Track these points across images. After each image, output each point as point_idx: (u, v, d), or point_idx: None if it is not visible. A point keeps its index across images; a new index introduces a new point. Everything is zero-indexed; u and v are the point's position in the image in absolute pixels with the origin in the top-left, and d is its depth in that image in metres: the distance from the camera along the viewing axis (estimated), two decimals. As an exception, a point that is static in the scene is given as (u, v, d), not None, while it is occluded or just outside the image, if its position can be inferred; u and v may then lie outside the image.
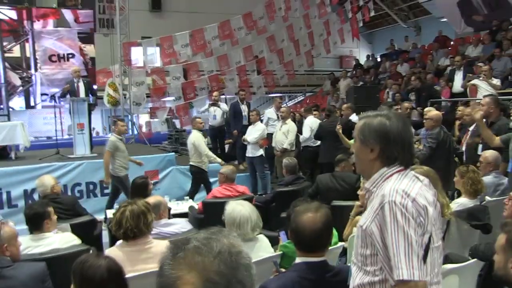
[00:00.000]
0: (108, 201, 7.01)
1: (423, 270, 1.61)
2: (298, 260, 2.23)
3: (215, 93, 10.16)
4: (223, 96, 13.15)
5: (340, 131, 6.78)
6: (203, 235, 1.06)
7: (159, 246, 3.04)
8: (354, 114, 8.08)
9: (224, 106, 9.90)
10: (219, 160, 7.47)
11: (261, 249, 3.16)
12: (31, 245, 3.35)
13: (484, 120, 5.10)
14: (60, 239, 3.47)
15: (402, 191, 1.68)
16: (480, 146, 5.19)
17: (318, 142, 7.89)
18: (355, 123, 6.33)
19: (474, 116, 4.77)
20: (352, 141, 6.61)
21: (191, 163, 7.50)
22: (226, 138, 10.32)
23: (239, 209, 3.09)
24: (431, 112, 5.99)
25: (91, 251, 3.59)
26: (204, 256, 1.00)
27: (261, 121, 8.82)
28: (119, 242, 3.09)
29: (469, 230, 4.01)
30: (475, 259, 2.89)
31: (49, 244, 3.38)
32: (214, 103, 9.57)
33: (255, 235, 3.13)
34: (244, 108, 9.60)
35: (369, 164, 1.84)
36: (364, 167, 1.89)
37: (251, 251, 3.09)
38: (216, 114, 9.60)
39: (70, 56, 11.38)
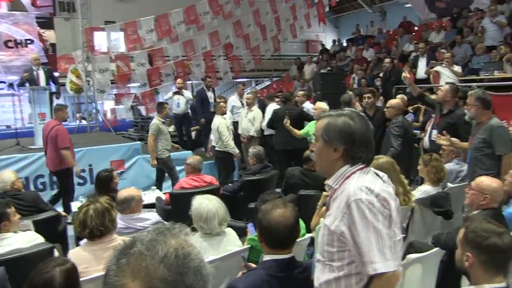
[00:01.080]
0: (156, 184, 7.07)
1: (396, 260, 1.68)
2: (266, 257, 2.24)
3: (179, 80, 10.02)
4: (189, 82, 13.01)
5: (288, 124, 6.69)
6: (150, 236, 1.00)
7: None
8: (308, 102, 8.12)
9: (188, 94, 9.79)
10: (237, 150, 7.37)
11: (229, 243, 3.16)
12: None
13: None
14: (21, 238, 3.36)
15: (366, 188, 1.72)
16: (434, 132, 5.26)
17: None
18: (307, 112, 6.32)
19: (452, 145, 4.79)
20: (301, 132, 6.67)
21: (216, 148, 7.42)
22: (192, 125, 10.23)
23: (206, 203, 3.07)
24: (392, 100, 6.06)
25: (55, 250, 3.54)
26: (148, 262, 0.94)
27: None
28: (84, 241, 3.03)
29: (432, 217, 4.14)
30: (437, 248, 2.97)
31: (10, 244, 3.27)
32: (178, 91, 9.44)
33: (223, 229, 3.12)
34: (210, 95, 9.53)
35: (332, 163, 1.87)
36: (325, 165, 1.91)
37: (219, 246, 3.09)
38: (180, 101, 9.50)
39: (29, 42, 10.92)
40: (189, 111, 9.93)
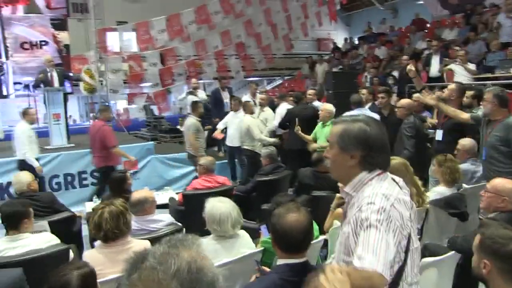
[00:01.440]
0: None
1: (387, 269, 1.56)
2: (280, 261, 2.23)
3: (193, 80, 10.02)
4: (201, 81, 13.05)
5: (299, 130, 6.67)
6: (162, 249, 0.98)
7: (139, 246, 3.02)
8: (317, 101, 8.07)
9: (202, 94, 9.76)
10: (271, 140, 7.44)
11: (243, 245, 3.17)
12: (7, 247, 3.26)
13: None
14: (37, 239, 3.39)
15: (382, 194, 1.69)
16: (439, 132, 5.22)
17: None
18: (317, 109, 6.21)
19: (427, 102, 4.77)
20: (310, 136, 6.62)
21: (244, 146, 7.49)
22: (206, 125, 10.22)
23: (219, 206, 3.08)
24: (402, 100, 5.99)
25: (70, 250, 3.58)
26: (161, 277, 0.92)
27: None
28: (98, 243, 3.06)
29: (447, 219, 4.10)
30: (453, 251, 2.95)
31: (26, 245, 3.29)
32: (192, 92, 9.41)
33: (236, 231, 3.13)
34: (225, 95, 9.53)
35: (348, 170, 1.83)
36: (342, 172, 1.88)
37: (233, 248, 3.10)
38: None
39: (43, 43, 11.04)
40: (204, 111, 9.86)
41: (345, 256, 1.76)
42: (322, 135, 6.45)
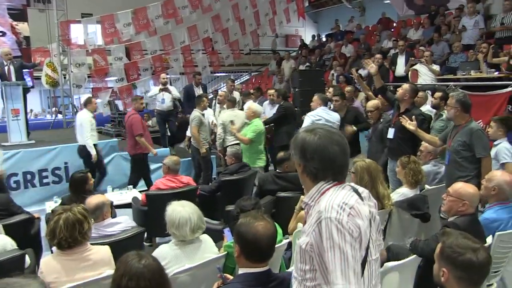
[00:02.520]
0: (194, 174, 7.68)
1: (359, 285, 1.63)
2: (242, 270, 2.21)
3: (163, 75, 9.75)
4: (167, 76, 12.84)
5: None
6: None
7: (99, 253, 2.95)
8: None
9: (175, 91, 9.52)
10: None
11: (206, 250, 3.12)
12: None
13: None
14: None
15: (338, 205, 1.67)
16: (391, 130, 5.32)
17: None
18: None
19: (407, 127, 4.85)
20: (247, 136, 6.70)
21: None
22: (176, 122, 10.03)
23: (179, 210, 3.02)
24: (369, 103, 6.09)
25: (26, 256, 3.46)
26: None
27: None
28: (55, 249, 2.95)
29: (409, 219, 4.16)
30: (414, 255, 2.98)
31: None
32: (165, 88, 9.14)
33: (196, 236, 3.06)
34: (198, 91, 9.38)
35: (302, 178, 1.85)
36: (301, 180, 1.88)
37: (196, 253, 3.04)
38: (165, 97, 9.20)
39: (0, 34, 10.59)
40: (174, 108, 9.60)
41: (301, 265, 1.77)
42: (247, 132, 6.79)
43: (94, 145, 7.06)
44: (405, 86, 5.38)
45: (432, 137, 4.89)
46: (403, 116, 4.94)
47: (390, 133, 5.31)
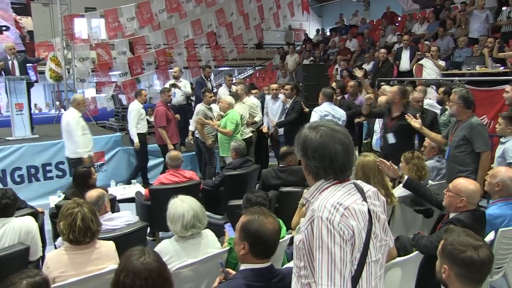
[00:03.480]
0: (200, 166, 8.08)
1: (346, 285, 1.59)
2: (244, 266, 2.21)
3: (175, 69, 9.70)
4: (170, 70, 12.81)
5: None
6: None
7: (106, 246, 3.00)
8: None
9: (187, 86, 9.43)
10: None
11: (208, 245, 3.12)
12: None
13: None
14: (20, 224, 3.50)
15: (331, 205, 1.64)
16: (390, 136, 5.29)
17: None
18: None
19: (414, 125, 4.83)
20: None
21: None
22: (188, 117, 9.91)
23: (177, 205, 3.02)
24: (381, 98, 6.03)
25: (39, 248, 3.54)
26: None
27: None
28: (60, 242, 2.96)
29: (412, 215, 4.16)
30: (417, 252, 2.98)
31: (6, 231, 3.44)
32: (174, 84, 9.06)
33: (190, 234, 3.02)
34: (209, 85, 9.36)
35: (306, 174, 1.83)
36: (306, 176, 1.86)
37: (198, 248, 3.05)
38: (176, 91, 9.17)
39: (4, 28, 10.56)
40: (186, 102, 9.52)
41: (297, 261, 1.76)
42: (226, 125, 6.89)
43: (143, 133, 7.62)
44: (394, 88, 5.42)
45: (436, 135, 4.89)
46: (408, 114, 4.92)
47: (391, 139, 5.27)
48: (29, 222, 3.58)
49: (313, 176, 1.78)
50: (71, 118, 6.47)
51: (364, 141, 5.87)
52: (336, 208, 1.63)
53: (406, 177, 3.87)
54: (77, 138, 6.41)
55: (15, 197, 3.69)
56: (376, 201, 1.81)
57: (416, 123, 4.78)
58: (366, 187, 1.82)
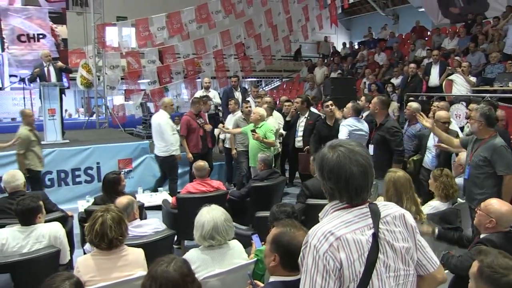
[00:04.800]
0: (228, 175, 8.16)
1: None
2: (273, 278, 2.20)
3: (206, 79, 9.84)
4: (198, 80, 12.98)
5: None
6: None
7: (134, 254, 3.02)
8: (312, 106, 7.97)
9: (216, 97, 9.50)
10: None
11: (235, 256, 3.12)
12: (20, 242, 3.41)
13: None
14: (48, 230, 3.52)
15: (322, 233, 1.61)
16: (370, 147, 5.36)
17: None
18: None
19: (424, 124, 4.79)
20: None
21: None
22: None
23: (202, 214, 3.03)
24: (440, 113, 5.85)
25: (67, 252, 3.61)
26: None
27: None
28: (89, 248, 3.00)
29: (441, 233, 4.07)
30: (446, 271, 2.91)
31: (37, 237, 3.44)
32: (207, 96, 9.12)
33: (207, 245, 3.02)
34: (238, 95, 9.38)
35: (326, 195, 1.79)
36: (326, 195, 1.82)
37: (224, 258, 3.05)
38: None
39: (41, 36, 10.90)
40: (216, 111, 9.62)
41: None
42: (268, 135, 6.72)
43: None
44: (374, 99, 5.55)
45: (449, 137, 4.78)
46: (420, 113, 4.89)
47: (370, 150, 5.31)
48: (57, 228, 3.60)
49: (329, 196, 1.75)
50: (162, 119, 6.96)
51: (414, 158, 5.70)
52: (326, 237, 1.60)
53: (437, 231, 3.77)
54: (169, 137, 6.91)
55: (37, 205, 3.60)
56: (396, 227, 1.72)
57: (427, 122, 4.71)
58: (386, 211, 1.74)
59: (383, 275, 1.65)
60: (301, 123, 7.62)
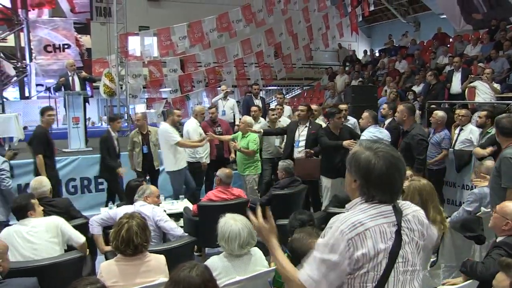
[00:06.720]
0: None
1: (319, 284, 1.68)
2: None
3: (223, 87, 9.97)
4: (219, 89, 13.09)
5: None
6: None
7: (157, 260, 3.07)
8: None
9: (235, 108, 9.62)
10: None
11: (257, 263, 3.13)
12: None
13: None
14: (44, 222, 3.67)
15: (352, 222, 1.69)
16: None
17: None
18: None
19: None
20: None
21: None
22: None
23: (230, 223, 3.03)
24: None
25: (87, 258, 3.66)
26: None
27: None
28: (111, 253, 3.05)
29: (462, 241, 4.03)
30: (471, 280, 2.88)
31: (34, 226, 3.60)
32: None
33: (244, 251, 3.06)
34: (258, 102, 9.35)
35: (351, 191, 1.85)
36: (348, 190, 1.89)
37: (246, 266, 3.07)
38: (225, 109, 9.29)
39: (66, 46, 11.19)
40: (234, 119, 9.70)
41: None
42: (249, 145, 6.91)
43: None
44: (400, 107, 5.54)
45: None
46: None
47: None
48: (52, 220, 3.75)
49: (364, 197, 1.79)
50: (190, 126, 7.27)
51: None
52: (355, 226, 1.68)
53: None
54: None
55: (26, 203, 3.78)
56: (415, 225, 1.81)
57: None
58: (407, 210, 1.83)
59: (400, 269, 1.72)
60: (302, 133, 6.90)
